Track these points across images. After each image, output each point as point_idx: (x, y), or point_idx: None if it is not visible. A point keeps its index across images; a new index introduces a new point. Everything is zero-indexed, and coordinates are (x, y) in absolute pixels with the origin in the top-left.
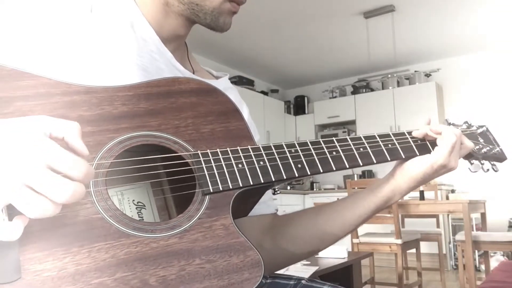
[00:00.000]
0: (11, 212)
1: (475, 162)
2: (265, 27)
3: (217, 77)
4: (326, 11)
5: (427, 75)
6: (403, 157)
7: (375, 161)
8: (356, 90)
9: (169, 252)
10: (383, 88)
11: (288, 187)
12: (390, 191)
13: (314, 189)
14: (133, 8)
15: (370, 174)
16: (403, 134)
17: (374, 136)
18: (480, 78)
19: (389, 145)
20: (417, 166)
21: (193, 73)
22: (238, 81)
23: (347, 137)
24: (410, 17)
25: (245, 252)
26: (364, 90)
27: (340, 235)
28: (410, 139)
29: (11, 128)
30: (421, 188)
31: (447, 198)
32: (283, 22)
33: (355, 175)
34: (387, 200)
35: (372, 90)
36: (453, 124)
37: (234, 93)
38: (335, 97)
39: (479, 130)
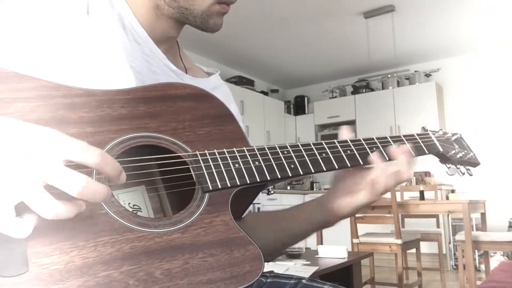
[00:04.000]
0: (19, 209)
1: (452, 166)
2: (265, 27)
3: (208, 73)
4: (326, 11)
5: (427, 75)
6: (387, 159)
7: (361, 163)
8: (356, 90)
9: (173, 246)
10: (383, 88)
11: (288, 187)
12: (337, 221)
13: (314, 189)
14: (126, 10)
15: None
16: (385, 138)
17: (359, 140)
18: (480, 78)
19: (374, 148)
20: (347, 209)
21: (186, 71)
22: (238, 81)
23: (335, 140)
24: (410, 17)
25: (246, 246)
26: (364, 90)
27: (288, 246)
28: (393, 144)
29: (23, 127)
30: (421, 188)
31: (447, 198)
32: (283, 22)
33: None
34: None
35: (372, 90)
36: (431, 131)
37: (224, 90)
38: (335, 97)
39: (454, 137)
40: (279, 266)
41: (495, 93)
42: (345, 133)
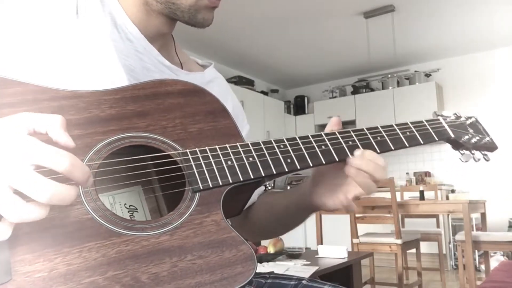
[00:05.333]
0: None
1: (466, 152)
2: (265, 27)
3: (203, 66)
4: (326, 11)
5: (427, 75)
6: (392, 148)
7: None
8: (356, 90)
9: (161, 250)
10: (383, 88)
11: (288, 187)
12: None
13: None
14: (117, 8)
15: None
16: (391, 126)
17: (363, 129)
18: (480, 78)
19: (378, 138)
20: (326, 208)
21: (181, 66)
22: (238, 81)
23: (336, 131)
24: (410, 17)
25: (237, 247)
26: (364, 90)
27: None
28: (398, 131)
29: None
30: (421, 188)
31: (447, 198)
32: (283, 22)
33: None
34: None
35: (372, 90)
36: (442, 116)
37: (220, 83)
38: (335, 97)
39: (469, 121)
40: (279, 266)
41: (495, 93)
42: (332, 125)
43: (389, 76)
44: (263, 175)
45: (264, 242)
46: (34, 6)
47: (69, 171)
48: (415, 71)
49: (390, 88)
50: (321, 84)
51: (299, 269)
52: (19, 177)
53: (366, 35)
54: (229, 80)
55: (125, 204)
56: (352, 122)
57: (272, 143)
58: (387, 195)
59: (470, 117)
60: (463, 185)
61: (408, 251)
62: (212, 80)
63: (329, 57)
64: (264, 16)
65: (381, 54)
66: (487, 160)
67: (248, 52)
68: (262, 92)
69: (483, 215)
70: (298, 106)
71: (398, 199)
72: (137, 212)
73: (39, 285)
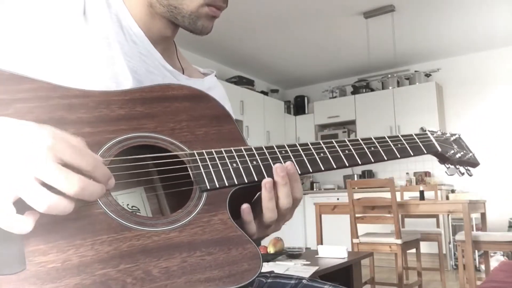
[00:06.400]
0: (19, 205)
1: (451, 166)
2: (265, 27)
3: (204, 74)
4: (326, 11)
5: (427, 75)
6: (385, 158)
7: (360, 162)
8: (356, 90)
9: (171, 245)
10: (383, 88)
11: None
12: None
13: (314, 189)
14: (123, 10)
15: (370, 174)
16: (383, 138)
17: (358, 139)
18: (480, 78)
19: (372, 148)
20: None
21: (183, 71)
22: (238, 81)
23: (333, 140)
24: (410, 17)
25: (244, 245)
26: (364, 90)
27: None
28: (390, 143)
29: (21, 126)
30: (421, 188)
31: (447, 198)
32: (283, 22)
33: (355, 175)
34: None
35: (372, 90)
36: (430, 131)
37: (219, 91)
38: (335, 97)
39: (453, 138)
40: (279, 266)
41: (495, 93)
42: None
43: (389, 76)
44: (266, 177)
45: (264, 242)
46: (42, 5)
47: (92, 171)
48: (415, 71)
49: (390, 88)
50: (321, 84)
51: (299, 269)
52: (51, 170)
53: (366, 35)
54: (229, 80)
55: (128, 204)
56: (352, 122)
57: (274, 148)
58: (387, 195)
59: (454, 134)
60: (463, 185)
61: (408, 251)
62: (212, 87)
63: (329, 57)
64: (264, 15)
65: (381, 54)
66: (470, 175)
67: (248, 52)
68: (262, 92)
69: (483, 215)
70: (298, 106)
71: (398, 199)
72: (139, 213)
73: (53, 275)
